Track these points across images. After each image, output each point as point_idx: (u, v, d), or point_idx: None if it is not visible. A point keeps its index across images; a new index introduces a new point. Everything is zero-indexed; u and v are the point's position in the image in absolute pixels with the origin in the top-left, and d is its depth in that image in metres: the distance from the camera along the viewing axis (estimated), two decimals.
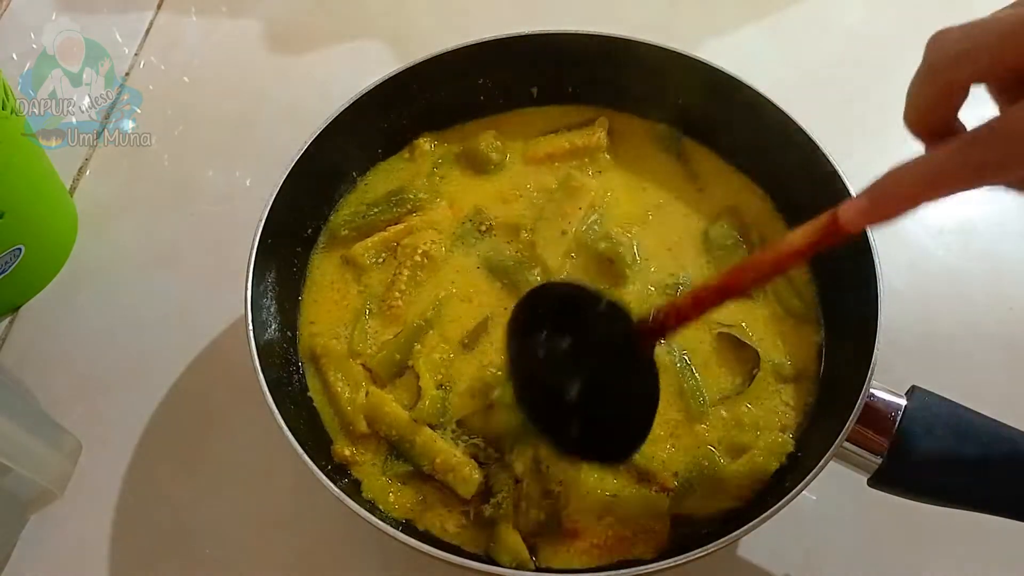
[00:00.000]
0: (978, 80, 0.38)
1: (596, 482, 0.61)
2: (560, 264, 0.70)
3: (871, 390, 0.57)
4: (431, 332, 0.67)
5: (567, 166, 0.75)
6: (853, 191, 0.64)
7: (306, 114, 0.72)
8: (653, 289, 0.69)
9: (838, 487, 0.66)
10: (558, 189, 0.73)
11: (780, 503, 0.54)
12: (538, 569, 0.59)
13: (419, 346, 0.66)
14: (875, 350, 0.58)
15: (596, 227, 0.72)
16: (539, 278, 0.69)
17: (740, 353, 0.66)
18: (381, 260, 0.72)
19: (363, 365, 0.67)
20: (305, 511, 0.70)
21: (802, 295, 0.68)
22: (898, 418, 0.57)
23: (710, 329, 0.67)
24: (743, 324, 0.67)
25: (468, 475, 0.61)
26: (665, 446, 0.62)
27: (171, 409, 0.76)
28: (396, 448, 0.63)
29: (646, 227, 0.72)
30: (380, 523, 0.55)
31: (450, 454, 0.61)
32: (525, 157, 0.76)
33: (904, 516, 0.67)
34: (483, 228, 0.72)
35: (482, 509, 0.60)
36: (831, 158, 0.65)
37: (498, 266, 0.70)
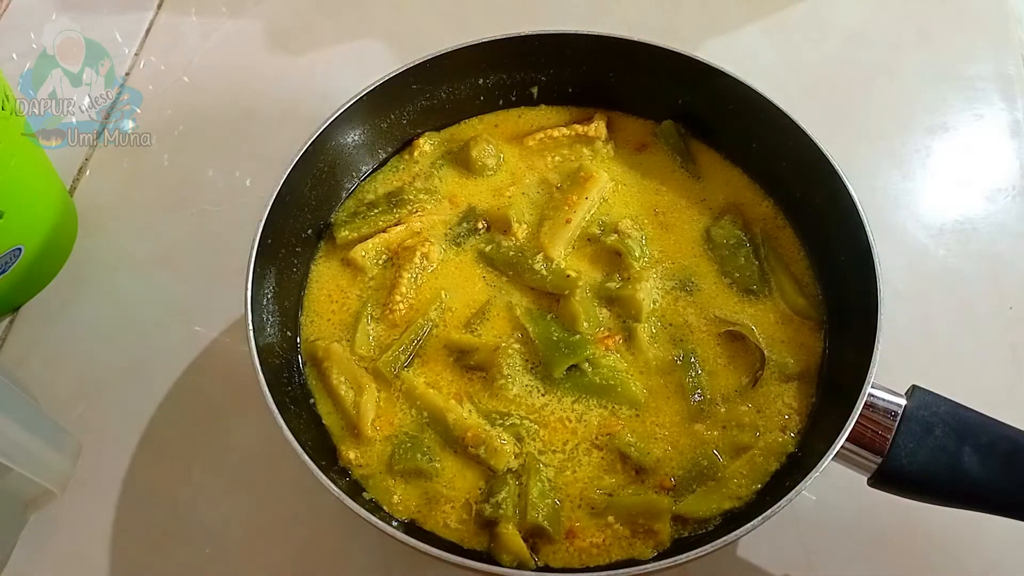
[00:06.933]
0: None
1: (595, 481, 0.61)
2: (563, 252, 0.70)
3: (871, 390, 0.57)
4: (435, 329, 0.68)
5: (567, 160, 0.76)
6: (852, 189, 0.64)
7: (306, 114, 0.72)
8: (660, 287, 0.69)
9: (838, 487, 0.66)
10: (566, 178, 0.74)
11: (780, 503, 0.54)
12: (538, 569, 0.59)
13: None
14: (876, 350, 0.58)
15: (604, 219, 0.72)
16: (542, 266, 0.69)
17: (745, 353, 0.66)
18: (381, 262, 0.72)
19: (366, 368, 0.66)
20: (305, 511, 0.70)
21: (807, 294, 0.68)
22: (898, 418, 0.57)
23: (716, 328, 0.67)
24: (751, 325, 0.67)
25: (499, 446, 0.61)
26: (665, 446, 0.63)
27: (171, 409, 0.76)
28: (429, 427, 0.64)
29: (650, 223, 0.72)
30: (380, 523, 0.55)
31: (481, 428, 0.62)
32: (523, 149, 0.77)
33: (904, 516, 0.67)
34: (479, 226, 0.72)
35: (482, 508, 0.60)
36: (831, 157, 0.66)
37: (499, 259, 0.70)
